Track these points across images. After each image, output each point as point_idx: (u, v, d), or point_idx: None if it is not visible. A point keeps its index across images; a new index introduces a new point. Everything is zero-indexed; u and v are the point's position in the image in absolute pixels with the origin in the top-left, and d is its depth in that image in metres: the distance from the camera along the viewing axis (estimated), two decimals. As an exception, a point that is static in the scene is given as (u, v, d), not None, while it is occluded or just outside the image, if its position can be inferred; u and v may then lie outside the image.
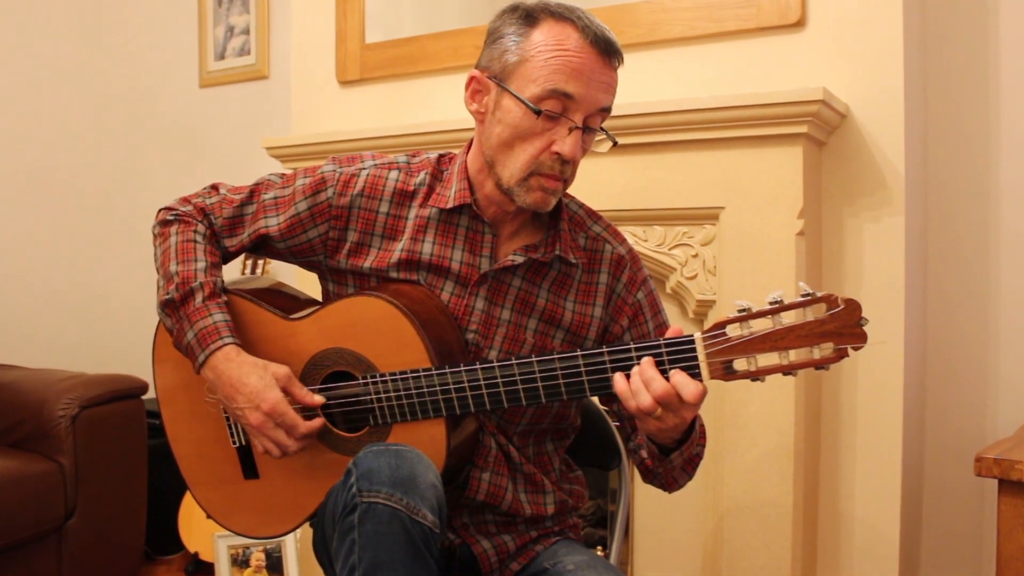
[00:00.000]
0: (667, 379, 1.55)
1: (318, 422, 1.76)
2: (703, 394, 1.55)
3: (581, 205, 1.94)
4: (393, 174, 1.87)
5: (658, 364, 1.57)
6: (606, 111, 1.73)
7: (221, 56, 4.43)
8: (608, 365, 1.61)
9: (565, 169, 1.72)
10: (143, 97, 4.73)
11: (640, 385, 1.56)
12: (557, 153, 1.69)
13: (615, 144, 1.80)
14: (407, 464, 1.53)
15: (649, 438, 1.74)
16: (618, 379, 1.59)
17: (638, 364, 1.58)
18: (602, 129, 1.76)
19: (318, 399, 1.76)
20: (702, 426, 1.82)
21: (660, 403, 1.55)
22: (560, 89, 1.65)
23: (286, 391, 1.74)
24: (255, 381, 1.73)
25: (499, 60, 1.72)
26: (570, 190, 1.84)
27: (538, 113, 1.67)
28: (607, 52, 1.68)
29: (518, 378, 1.67)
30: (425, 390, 1.70)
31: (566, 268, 1.85)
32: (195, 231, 1.90)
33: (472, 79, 1.78)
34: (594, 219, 1.92)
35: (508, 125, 1.70)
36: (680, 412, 1.58)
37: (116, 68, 4.71)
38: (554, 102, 1.66)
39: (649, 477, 1.87)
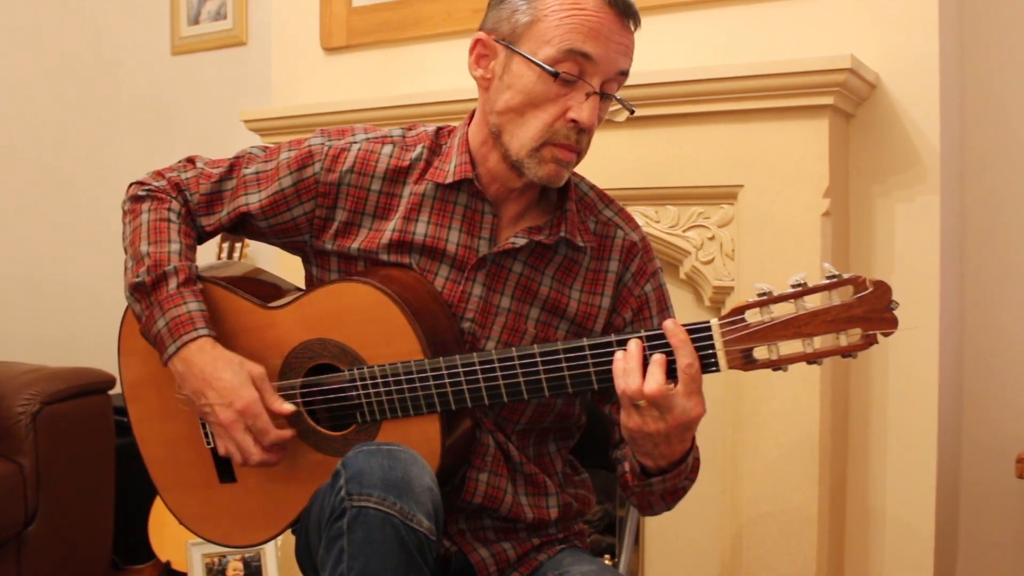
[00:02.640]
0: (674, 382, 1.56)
1: (288, 432, 1.75)
2: (661, 394, 1.54)
3: (592, 187, 1.93)
4: (387, 149, 1.86)
5: (672, 353, 1.57)
6: (624, 75, 1.73)
7: (195, 20, 4.42)
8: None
9: (581, 139, 1.72)
10: (109, 65, 4.71)
11: (635, 366, 1.57)
12: (573, 121, 1.69)
13: (632, 113, 1.80)
14: (401, 465, 1.53)
15: (633, 451, 1.72)
16: (618, 355, 1.60)
17: (650, 356, 1.58)
18: (616, 98, 1.76)
19: (288, 407, 1.75)
20: (696, 460, 1.78)
21: (649, 400, 1.56)
22: (578, 49, 1.65)
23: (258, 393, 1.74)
24: (229, 376, 1.72)
25: (508, 21, 1.72)
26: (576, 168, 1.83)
27: (556, 75, 1.66)
28: (625, 13, 1.69)
29: (519, 370, 1.66)
30: (417, 384, 1.69)
31: (572, 253, 1.85)
32: (169, 209, 1.90)
33: (477, 42, 1.77)
34: (606, 202, 1.92)
35: (519, 91, 1.70)
36: (666, 416, 1.57)
37: (79, 33, 4.69)
38: (571, 64, 1.67)
39: (626, 492, 1.85)
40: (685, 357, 1.56)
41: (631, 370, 1.57)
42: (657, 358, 1.57)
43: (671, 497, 1.79)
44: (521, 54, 1.69)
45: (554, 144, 1.71)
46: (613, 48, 1.68)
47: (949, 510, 2.69)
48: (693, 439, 1.70)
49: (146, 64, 4.60)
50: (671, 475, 1.70)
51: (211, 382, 1.73)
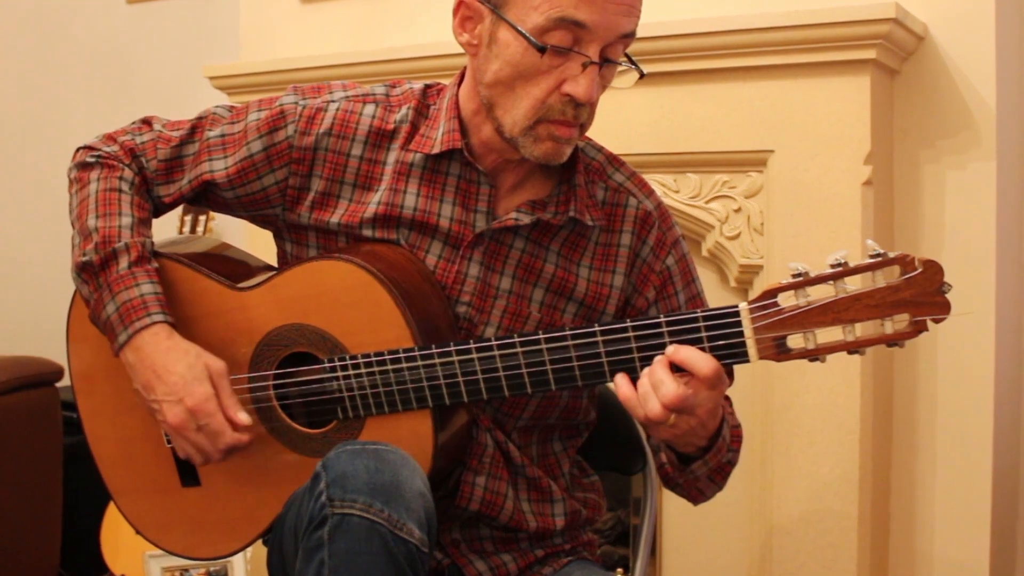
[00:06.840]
0: (685, 379, 1.54)
1: (245, 438, 1.74)
2: (718, 372, 1.54)
3: (600, 149, 1.93)
4: (369, 109, 1.85)
5: (696, 341, 1.56)
6: (629, 37, 1.70)
7: (152, -36, 4.41)
8: (633, 344, 1.60)
9: (580, 113, 1.70)
10: (58, 15, 4.69)
11: (648, 389, 1.56)
12: (569, 95, 1.67)
13: (642, 76, 1.77)
14: (389, 467, 1.52)
15: (668, 444, 1.74)
16: (622, 383, 1.59)
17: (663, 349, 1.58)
18: (626, 56, 1.73)
19: (243, 418, 1.73)
20: (735, 428, 1.82)
21: (671, 410, 1.55)
22: (569, 17, 1.62)
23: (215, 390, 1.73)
24: (183, 369, 1.72)
25: None
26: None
27: (542, 50, 1.64)
28: None
29: (521, 360, 1.66)
30: (406, 376, 1.69)
31: (580, 227, 1.84)
32: (121, 178, 1.88)
33: (460, 4, 1.75)
34: (616, 166, 1.91)
35: (507, 62, 1.68)
36: (696, 411, 1.57)
37: (22, -21, 4.69)
38: (562, 33, 1.63)
39: (670, 484, 1.88)
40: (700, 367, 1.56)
41: (647, 396, 1.56)
42: (659, 362, 1.56)
43: (719, 476, 1.81)
44: (507, 21, 1.67)
45: (550, 121, 1.69)
46: (612, 10, 1.64)
47: (1007, 518, 2.69)
48: (724, 410, 1.71)
49: (99, 13, 4.57)
50: (711, 454, 1.72)
51: (161, 375, 1.72)
